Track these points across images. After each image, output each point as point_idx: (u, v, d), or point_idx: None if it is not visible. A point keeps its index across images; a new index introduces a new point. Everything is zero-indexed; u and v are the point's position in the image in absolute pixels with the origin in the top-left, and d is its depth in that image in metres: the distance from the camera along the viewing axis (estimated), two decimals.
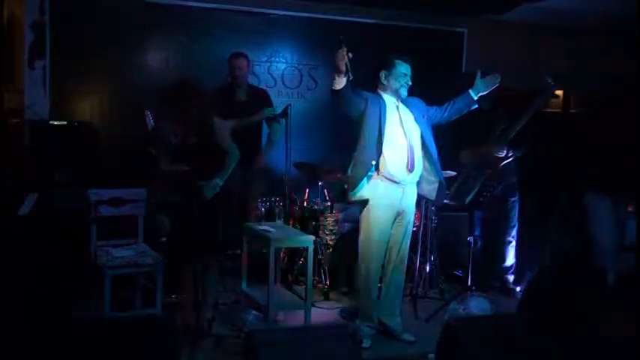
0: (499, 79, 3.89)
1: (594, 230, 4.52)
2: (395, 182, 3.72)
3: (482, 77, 3.90)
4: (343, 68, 3.42)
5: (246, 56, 4.99)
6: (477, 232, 4.89)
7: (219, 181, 3.88)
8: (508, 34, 6.19)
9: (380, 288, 3.92)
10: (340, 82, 3.49)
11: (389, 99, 3.80)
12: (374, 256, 3.79)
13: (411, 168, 3.73)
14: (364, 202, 3.78)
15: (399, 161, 3.70)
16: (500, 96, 4.69)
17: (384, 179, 3.71)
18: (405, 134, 3.74)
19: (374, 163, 3.68)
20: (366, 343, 3.78)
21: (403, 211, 3.80)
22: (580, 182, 4.76)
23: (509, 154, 4.64)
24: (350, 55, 3.39)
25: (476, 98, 3.87)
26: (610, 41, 5.87)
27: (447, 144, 4.61)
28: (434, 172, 3.85)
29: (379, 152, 3.67)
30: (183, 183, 3.75)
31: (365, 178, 3.71)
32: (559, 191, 5.18)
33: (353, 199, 3.80)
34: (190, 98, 3.79)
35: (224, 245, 4.03)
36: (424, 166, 3.84)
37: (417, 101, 3.91)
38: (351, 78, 3.47)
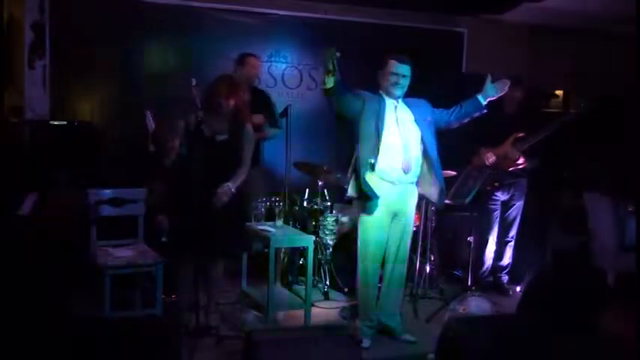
0: (508, 85, 3.87)
1: (594, 230, 4.52)
2: (390, 182, 3.72)
3: (492, 82, 3.85)
4: (330, 67, 3.43)
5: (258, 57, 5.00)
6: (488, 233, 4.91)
7: (231, 186, 3.77)
8: (508, 34, 6.19)
9: (380, 288, 3.93)
10: (329, 82, 3.50)
11: (389, 99, 3.79)
12: (372, 255, 3.78)
13: (406, 168, 3.72)
14: (363, 202, 3.78)
15: (393, 161, 3.69)
16: (525, 100, 4.69)
17: (379, 179, 3.71)
18: (400, 134, 3.71)
19: (372, 162, 3.67)
20: (366, 343, 3.78)
21: (400, 210, 3.80)
22: (580, 182, 4.76)
23: (520, 163, 4.63)
24: (338, 54, 3.40)
25: (484, 103, 3.82)
26: (610, 41, 5.87)
27: (463, 141, 4.59)
28: (433, 174, 3.84)
29: (376, 152, 3.67)
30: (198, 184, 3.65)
31: (363, 178, 3.71)
32: (559, 191, 5.19)
33: (352, 198, 3.80)
34: (234, 94, 3.69)
35: (225, 245, 4.00)
36: (424, 168, 3.84)
37: (421, 102, 3.88)
38: (339, 78, 3.47)
